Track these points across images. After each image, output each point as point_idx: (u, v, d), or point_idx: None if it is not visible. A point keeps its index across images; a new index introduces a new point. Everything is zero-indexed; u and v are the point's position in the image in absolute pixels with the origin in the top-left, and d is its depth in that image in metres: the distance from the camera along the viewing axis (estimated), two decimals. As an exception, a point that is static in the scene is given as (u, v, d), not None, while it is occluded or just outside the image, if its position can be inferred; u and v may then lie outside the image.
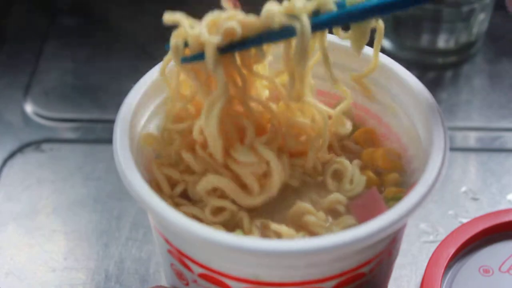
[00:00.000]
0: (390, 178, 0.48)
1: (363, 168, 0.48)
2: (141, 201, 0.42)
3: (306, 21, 0.43)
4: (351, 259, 0.43)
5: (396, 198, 0.46)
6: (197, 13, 0.47)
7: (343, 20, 0.45)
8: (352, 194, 0.47)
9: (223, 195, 0.46)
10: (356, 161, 0.48)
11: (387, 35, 0.73)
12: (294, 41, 0.44)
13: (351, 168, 0.47)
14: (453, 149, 0.65)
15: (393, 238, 0.45)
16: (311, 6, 0.44)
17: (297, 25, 0.43)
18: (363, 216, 0.45)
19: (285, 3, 0.44)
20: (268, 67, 0.48)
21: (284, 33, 0.44)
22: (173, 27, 0.46)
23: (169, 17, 0.44)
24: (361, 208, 0.46)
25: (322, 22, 0.44)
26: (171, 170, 0.46)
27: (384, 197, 0.47)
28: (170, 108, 0.47)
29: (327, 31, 0.46)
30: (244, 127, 0.45)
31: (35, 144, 0.67)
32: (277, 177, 0.45)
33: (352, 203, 0.46)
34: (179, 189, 0.46)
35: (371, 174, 0.48)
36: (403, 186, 0.48)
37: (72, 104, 0.70)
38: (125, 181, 0.43)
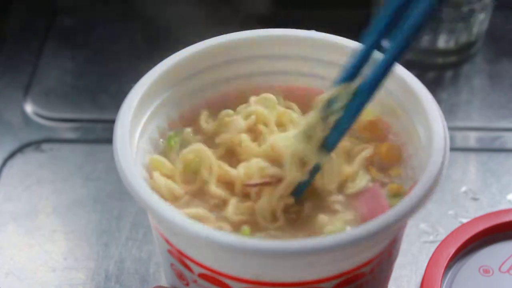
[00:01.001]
0: (393, 173, 0.48)
1: (367, 164, 0.48)
2: (141, 201, 0.42)
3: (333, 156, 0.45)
4: (351, 259, 0.43)
5: (399, 195, 0.46)
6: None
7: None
8: (353, 191, 0.47)
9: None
10: (359, 159, 0.48)
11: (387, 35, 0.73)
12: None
13: (352, 169, 0.47)
14: (453, 149, 0.65)
15: (393, 238, 0.45)
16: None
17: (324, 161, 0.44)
18: (364, 212, 0.45)
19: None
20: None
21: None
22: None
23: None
24: (363, 205, 0.46)
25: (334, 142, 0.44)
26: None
27: (387, 193, 0.47)
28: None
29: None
30: None
31: (35, 144, 0.67)
32: None
33: (354, 199, 0.46)
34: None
35: (374, 171, 0.48)
36: (404, 184, 0.48)
37: (72, 104, 0.70)
38: (125, 181, 0.43)
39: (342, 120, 0.44)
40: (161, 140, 0.49)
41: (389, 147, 0.49)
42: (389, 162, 0.48)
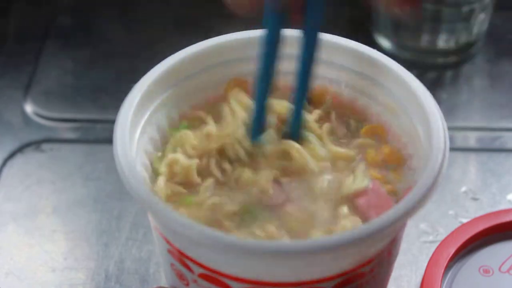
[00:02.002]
0: (393, 176, 0.47)
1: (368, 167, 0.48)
2: (141, 201, 0.42)
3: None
4: (351, 259, 0.43)
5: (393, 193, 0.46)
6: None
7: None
8: (352, 192, 0.46)
9: None
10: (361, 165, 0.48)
11: (387, 35, 0.73)
12: None
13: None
14: (453, 149, 0.64)
15: (393, 238, 0.45)
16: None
17: None
18: (369, 213, 0.45)
19: None
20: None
21: None
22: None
23: None
24: (367, 206, 0.45)
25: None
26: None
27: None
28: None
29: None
30: None
31: (35, 144, 0.67)
32: None
33: (357, 202, 0.46)
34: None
35: (375, 173, 0.47)
36: (403, 185, 0.48)
37: (72, 104, 0.70)
38: (125, 181, 0.43)
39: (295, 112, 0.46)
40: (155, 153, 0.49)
41: (391, 149, 0.49)
42: (390, 165, 0.48)
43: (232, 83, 0.51)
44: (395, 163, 0.48)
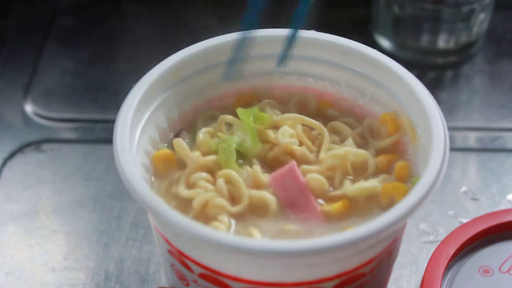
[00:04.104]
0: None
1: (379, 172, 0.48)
2: (141, 201, 0.42)
3: None
4: (351, 259, 0.43)
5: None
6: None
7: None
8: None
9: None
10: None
11: (387, 35, 0.73)
12: None
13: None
14: (453, 149, 0.65)
15: (393, 239, 0.45)
16: None
17: None
18: (281, 191, 0.45)
19: None
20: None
21: None
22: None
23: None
24: (280, 183, 0.46)
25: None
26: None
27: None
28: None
29: None
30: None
31: (35, 144, 0.67)
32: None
33: (272, 177, 0.46)
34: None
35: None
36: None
37: (72, 104, 0.70)
38: (125, 181, 0.43)
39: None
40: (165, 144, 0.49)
41: (403, 166, 0.48)
42: (402, 179, 0.48)
43: (242, 99, 0.52)
44: (403, 180, 0.48)
